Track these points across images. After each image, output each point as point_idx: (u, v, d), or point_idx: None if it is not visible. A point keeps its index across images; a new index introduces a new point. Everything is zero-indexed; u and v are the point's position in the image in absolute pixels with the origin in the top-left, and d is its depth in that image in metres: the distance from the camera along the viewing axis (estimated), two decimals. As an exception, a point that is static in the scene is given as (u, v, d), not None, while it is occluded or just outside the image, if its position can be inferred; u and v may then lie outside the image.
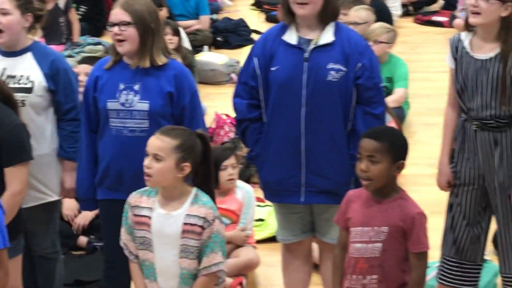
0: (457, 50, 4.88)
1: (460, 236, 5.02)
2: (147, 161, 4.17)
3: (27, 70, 4.98)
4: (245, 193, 6.11)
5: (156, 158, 4.14)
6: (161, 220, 4.20)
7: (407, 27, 11.00)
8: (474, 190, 4.97)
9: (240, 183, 6.15)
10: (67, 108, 5.05)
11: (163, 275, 4.24)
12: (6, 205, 4.04)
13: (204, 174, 4.31)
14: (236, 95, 4.97)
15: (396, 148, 4.19)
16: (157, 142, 4.17)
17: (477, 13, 4.65)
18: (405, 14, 11.12)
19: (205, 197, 4.23)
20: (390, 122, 6.89)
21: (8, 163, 4.43)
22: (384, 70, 8.13)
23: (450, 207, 5.07)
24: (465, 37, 4.86)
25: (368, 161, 4.14)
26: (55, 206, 5.17)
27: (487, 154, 4.85)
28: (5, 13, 4.91)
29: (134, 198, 4.31)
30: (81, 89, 5.62)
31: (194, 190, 4.25)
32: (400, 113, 8.00)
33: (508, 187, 4.85)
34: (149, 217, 4.22)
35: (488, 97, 4.77)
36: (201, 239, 4.17)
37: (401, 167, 4.22)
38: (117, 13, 4.76)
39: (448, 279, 5.08)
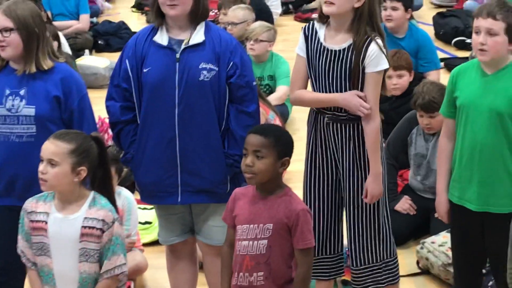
0: (310, 39, 4.90)
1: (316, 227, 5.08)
2: (41, 167, 4.15)
3: None
4: (125, 199, 6.06)
5: (51, 163, 4.13)
6: (58, 224, 4.18)
7: (287, 25, 11.09)
8: (328, 179, 5.04)
9: (119, 190, 6.08)
10: None
11: (62, 280, 4.22)
12: None
13: (101, 177, 4.32)
14: (109, 98, 4.94)
15: (281, 145, 4.22)
16: (51, 147, 4.16)
17: (331, 3, 4.69)
18: (285, 12, 11.22)
19: (103, 200, 4.24)
20: (275, 120, 6.94)
21: None
22: (266, 69, 8.22)
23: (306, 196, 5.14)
24: (319, 27, 4.89)
25: (253, 156, 4.16)
26: None
27: (340, 146, 4.92)
28: None
29: (30, 204, 4.29)
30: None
31: (92, 194, 4.25)
32: (283, 110, 8.07)
33: (356, 180, 4.94)
34: (46, 222, 4.20)
35: (341, 89, 4.82)
36: (101, 242, 4.16)
37: (286, 163, 4.25)
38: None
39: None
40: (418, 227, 6.36)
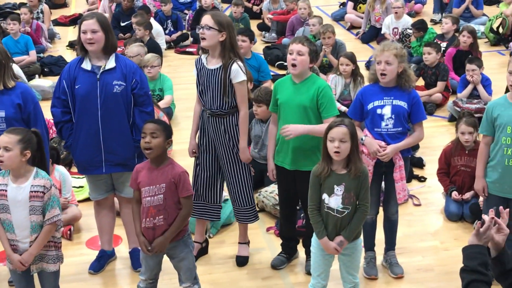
0: (198, 64, 4.94)
1: (200, 184, 5.13)
2: (0, 152, 4.02)
3: None
4: (60, 173, 5.92)
5: (6, 149, 4.01)
6: (14, 191, 4.07)
7: (171, 56, 11.01)
8: (209, 154, 5.06)
9: (56, 167, 5.96)
10: None
11: (18, 228, 4.11)
12: None
13: (40, 158, 4.21)
14: (53, 106, 4.86)
15: (167, 130, 4.23)
16: (5, 138, 4.06)
17: (204, 39, 4.76)
18: (169, 47, 11.14)
19: (43, 173, 4.14)
20: (163, 117, 6.90)
21: None
22: (157, 84, 8.13)
23: (196, 166, 5.14)
24: (204, 56, 4.92)
25: (151, 137, 4.14)
26: None
27: (217, 131, 4.94)
28: None
29: None
30: None
31: (35, 169, 4.13)
32: (169, 111, 8.03)
33: (228, 152, 4.97)
34: (5, 190, 4.08)
35: (216, 95, 4.86)
36: (43, 200, 4.07)
37: (170, 143, 4.27)
38: None
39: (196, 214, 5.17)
40: (256, 182, 6.37)
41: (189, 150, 5.14)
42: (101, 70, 4.71)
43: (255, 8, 12.66)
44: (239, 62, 4.79)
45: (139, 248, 4.36)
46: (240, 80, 4.79)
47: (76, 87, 4.71)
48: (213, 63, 4.84)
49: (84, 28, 4.65)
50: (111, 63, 4.72)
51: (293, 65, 4.71)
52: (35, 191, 4.06)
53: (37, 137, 4.18)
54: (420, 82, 8.56)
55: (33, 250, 4.13)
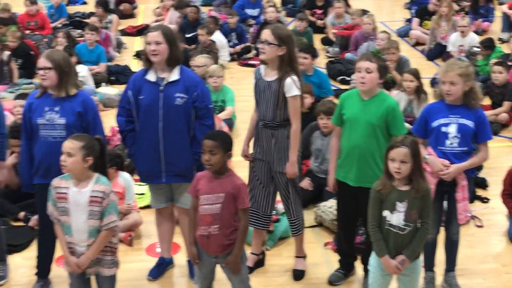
0: (257, 74, 4.92)
1: (254, 191, 5.09)
2: (63, 157, 4.10)
3: None
4: (125, 179, 6.01)
5: (69, 155, 4.07)
6: (75, 195, 4.12)
7: (234, 68, 11.05)
8: (263, 163, 5.03)
9: (122, 173, 6.05)
10: None
11: (77, 232, 4.16)
12: None
13: (101, 164, 4.24)
14: (118, 115, 4.91)
15: (226, 144, 4.20)
16: (69, 144, 4.11)
17: (263, 53, 4.76)
18: (232, 59, 11.19)
19: (103, 179, 4.18)
20: (225, 127, 6.93)
21: None
22: (220, 95, 8.18)
23: (251, 171, 5.11)
24: (263, 67, 4.90)
25: (209, 154, 4.15)
26: None
27: (270, 143, 4.92)
28: None
29: (55, 181, 4.22)
30: (19, 116, 5.38)
31: (96, 175, 4.18)
32: (230, 122, 8.06)
33: (278, 164, 4.94)
34: (67, 193, 4.13)
35: (271, 105, 4.83)
36: (102, 206, 4.11)
37: (230, 155, 4.25)
38: (42, 61, 4.66)
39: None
40: (315, 196, 6.34)
41: (241, 155, 5.16)
42: (164, 82, 4.74)
43: (319, 22, 12.61)
44: (294, 77, 4.75)
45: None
46: (293, 95, 4.75)
47: (140, 97, 4.75)
48: (270, 75, 4.82)
49: (149, 39, 4.69)
50: (174, 75, 4.74)
51: (362, 83, 4.65)
52: (94, 196, 4.11)
53: (100, 144, 4.24)
54: (487, 100, 8.36)
55: (90, 254, 4.18)
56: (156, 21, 13.34)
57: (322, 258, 5.56)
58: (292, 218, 5.11)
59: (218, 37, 10.72)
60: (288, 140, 4.85)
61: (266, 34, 4.74)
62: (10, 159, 6.03)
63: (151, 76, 4.76)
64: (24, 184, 4.92)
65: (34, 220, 5.84)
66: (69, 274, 4.37)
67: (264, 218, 5.19)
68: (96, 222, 4.14)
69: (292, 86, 4.73)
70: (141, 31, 13.04)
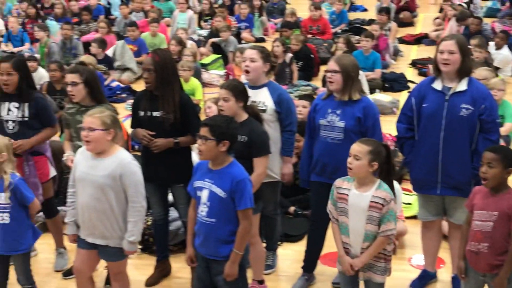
0: None
1: None
2: (350, 159, 4.16)
3: (263, 98, 5.02)
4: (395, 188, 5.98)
5: (356, 158, 4.14)
6: (356, 198, 4.17)
7: (513, 82, 10.49)
8: None
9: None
10: (286, 123, 5.06)
11: (353, 234, 4.22)
12: (254, 181, 4.19)
13: (386, 171, 4.24)
14: (398, 121, 4.91)
15: (507, 159, 4.03)
16: (357, 147, 4.16)
17: None
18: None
19: (385, 185, 4.18)
20: (502, 143, 6.61)
21: (256, 155, 4.52)
22: (499, 110, 7.81)
23: None
24: None
25: (487, 166, 4.01)
26: (277, 183, 5.18)
27: None
28: (253, 61, 5.01)
29: (338, 182, 4.31)
30: (300, 116, 5.60)
31: (378, 181, 4.20)
32: (508, 140, 7.67)
33: None
34: (347, 195, 4.21)
35: None
36: (381, 212, 4.12)
37: (510, 172, 4.06)
38: (331, 65, 4.78)
39: None
40: None
41: None
42: (450, 92, 4.64)
43: None
44: None
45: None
46: None
47: (424, 105, 4.70)
48: None
49: (442, 48, 4.62)
50: (462, 86, 4.64)
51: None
52: (375, 202, 4.13)
53: (386, 150, 4.25)
54: None
55: (364, 258, 4.21)
56: (435, 30, 13.16)
57: None
58: None
59: (504, 52, 10.23)
60: None
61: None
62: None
63: (437, 85, 4.69)
64: (302, 180, 5.10)
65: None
66: (339, 273, 4.46)
67: None
68: (373, 227, 4.16)
69: None
70: (419, 40, 12.96)
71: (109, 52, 11.47)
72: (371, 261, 4.23)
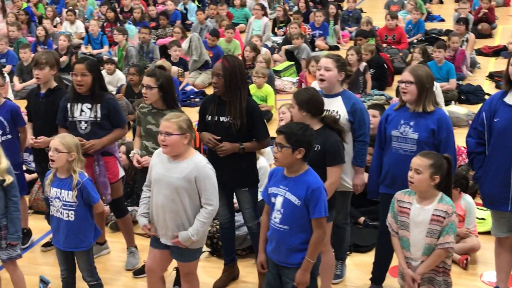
0: None
1: None
2: (411, 173, 4.14)
3: (337, 107, 4.97)
4: (467, 202, 5.90)
5: (417, 171, 4.11)
6: (417, 211, 4.17)
7: None
8: None
9: (463, 195, 5.94)
10: (359, 133, 5.00)
11: (414, 247, 4.21)
12: (327, 190, 4.11)
13: (446, 183, 4.21)
14: (468, 135, 4.85)
15: None
16: (417, 161, 4.15)
17: None
18: None
19: (447, 198, 4.17)
20: None
21: (330, 164, 4.49)
22: None
23: None
24: None
25: None
26: (348, 193, 5.16)
27: None
28: (328, 69, 4.99)
29: (399, 195, 4.31)
30: (372, 125, 5.56)
31: (440, 193, 4.18)
32: None
33: None
34: (409, 209, 4.20)
35: None
36: (442, 225, 4.09)
37: None
38: (406, 75, 4.72)
39: None
40: None
41: None
42: (525, 106, 4.57)
43: None
44: None
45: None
46: None
47: (495, 120, 4.62)
48: None
49: None
50: None
51: None
52: (437, 215, 4.11)
53: (448, 163, 4.21)
54: None
55: (421, 269, 4.20)
56: (515, 42, 12.81)
57: None
58: None
59: None
60: None
61: None
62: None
63: (509, 99, 4.60)
64: (370, 191, 5.07)
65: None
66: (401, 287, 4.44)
67: None
68: (433, 240, 4.14)
69: None
70: (498, 52, 12.65)
71: (185, 44, 11.59)
72: (431, 275, 4.20)
